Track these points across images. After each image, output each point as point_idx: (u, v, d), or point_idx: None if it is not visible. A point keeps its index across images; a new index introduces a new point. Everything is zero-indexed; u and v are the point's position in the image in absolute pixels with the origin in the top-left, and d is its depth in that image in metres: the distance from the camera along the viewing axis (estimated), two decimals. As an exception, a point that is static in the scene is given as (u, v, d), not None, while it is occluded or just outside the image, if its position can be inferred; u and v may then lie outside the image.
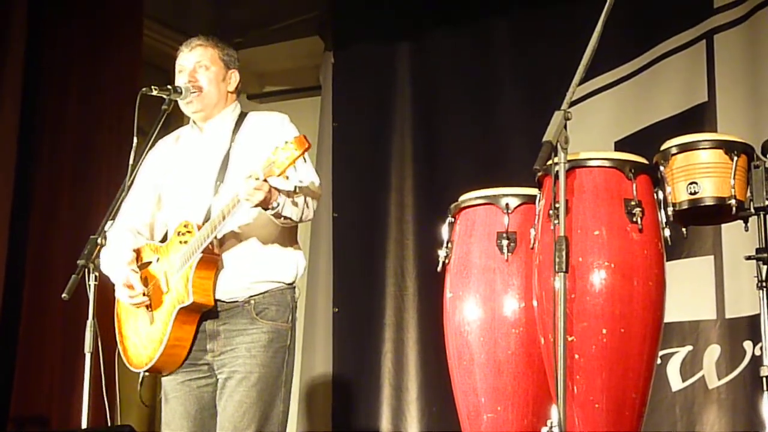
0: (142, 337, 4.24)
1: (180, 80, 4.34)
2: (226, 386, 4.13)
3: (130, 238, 4.34)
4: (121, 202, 4.19)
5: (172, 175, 4.38)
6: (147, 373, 4.25)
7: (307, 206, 4.08)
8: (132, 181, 4.22)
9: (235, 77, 4.42)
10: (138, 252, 4.32)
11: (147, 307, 4.20)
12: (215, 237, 4.04)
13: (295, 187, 3.93)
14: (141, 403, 4.31)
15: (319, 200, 4.18)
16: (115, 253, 4.24)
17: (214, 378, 4.18)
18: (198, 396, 4.20)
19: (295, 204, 4.00)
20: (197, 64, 4.35)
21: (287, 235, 4.25)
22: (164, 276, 4.18)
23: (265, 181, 3.80)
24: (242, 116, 4.40)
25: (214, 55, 4.39)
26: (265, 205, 3.90)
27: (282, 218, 4.01)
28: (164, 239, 4.36)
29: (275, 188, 3.89)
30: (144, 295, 4.17)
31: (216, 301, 4.13)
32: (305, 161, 3.84)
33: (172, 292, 4.14)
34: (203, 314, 4.14)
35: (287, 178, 3.81)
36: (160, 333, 4.14)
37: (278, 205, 3.92)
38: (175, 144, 4.48)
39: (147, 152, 4.28)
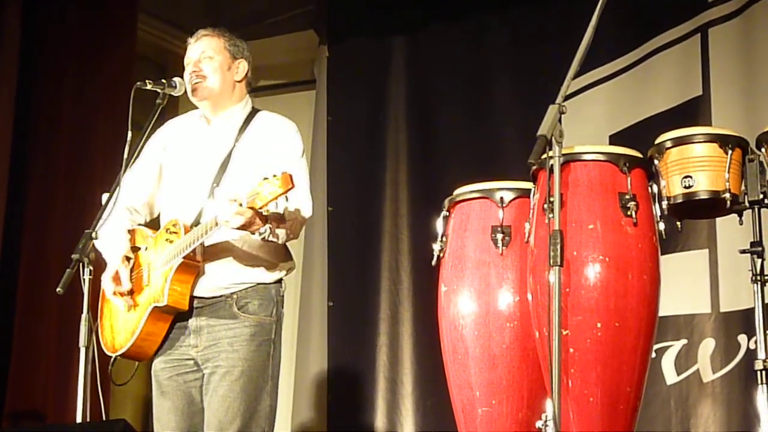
0: (118, 322, 4.26)
1: (186, 72, 4.34)
2: (210, 381, 4.13)
3: (126, 218, 4.34)
4: (116, 195, 4.18)
5: (175, 163, 4.38)
6: (119, 357, 4.27)
7: (292, 232, 4.09)
8: (125, 175, 4.22)
9: (242, 67, 4.40)
10: (132, 234, 4.32)
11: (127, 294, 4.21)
12: (200, 244, 4.06)
13: (285, 210, 3.92)
14: (113, 383, 4.33)
15: (305, 223, 4.19)
16: (111, 234, 4.24)
17: (201, 373, 4.18)
18: (186, 391, 4.20)
19: (278, 233, 4.00)
20: (202, 55, 4.34)
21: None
22: (148, 268, 4.20)
23: (251, 208, 3.80)
24: (252, 114, 4.39)
25: (220, 44, 4.38)
26: (247, 229, 3.90)
27: (266, 241, 4.01)
28: (156, 225, 4.36)
29: (262, 215, 3.87)
30: (126, 294, 4.19)
31: (198, 297, 4.15)
32: (287, 200, 3.80)
33: (150, 288, 4.16)
34: (183, 312, 4.15)
35: (268, 212, 3.80)
36: (133, 324, 4.17)
37: (264, 231, 3.91)
38: (183, 130, 4.46)
39: (142, 141, 4.26)
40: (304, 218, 4.14)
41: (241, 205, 3.78)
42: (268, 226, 3.91)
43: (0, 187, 6.15)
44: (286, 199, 3.77)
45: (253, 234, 3.93)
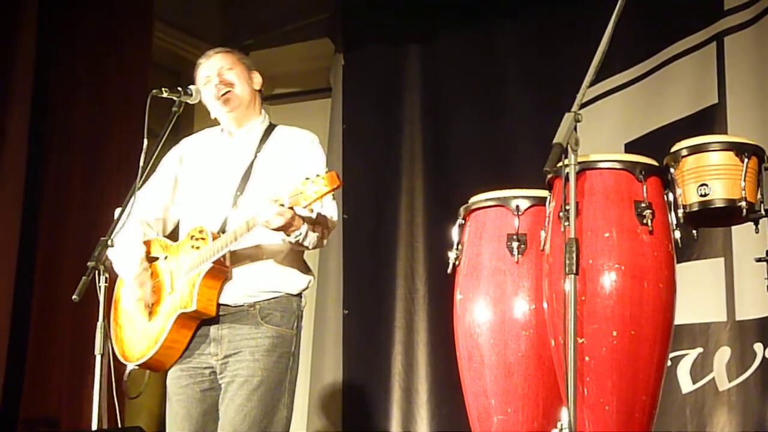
0: (137, 331, 4.25)
1: (209, 87, 4.36)
2: (228, 390, 4.13)
3: (140, 230, 4.35)
4: (131, 203, 4.19)
5: (194, 176, 4.40)
6: (136, 367, 4.26)
7: (323, 237, 4.10)
8: (142, 184, 4.23)
9: (257, 78, 4.47)
10: (147, 245, 4.33)
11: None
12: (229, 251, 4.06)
13: (318, 214, 3.94)
14: (127, 397, 4.33)
15: (333, 229, 4.22)
16: (126, 244, 4.24)
17: (217, 382, 4.18)
18: (201, 399, 4.20)
19: (314, 234, 4.02)
20: (221, 69, 4.38)
21: (296, 251, 4.24)
22: (170, 276, 4.20)
23: (290, 208, 3.82)
24: (270, 128, 4.42)
25: (234, 58, 4.45)
26: (285, 230, 3.91)
27: (298, 245, 4.03)
28: (173, 237, 4.37)
29: (300, 216, 3.90)
30: (148, 296, 4.19)
31: (222, 305, 4.14)
32: (333, 198, 3.86)
33: (175, 295, 4.15)
34: (205, 319, 4.15)
35: (312, 211, 3.83)
36: (157, 332, 4.16)
37: (300, 234, 3.94)
38: (202, 145, 4.49)
39: (157, 149, 4.28)
40: (334, 224, 4.18)
41: (282, 205, 3.80)
42: (304, 227, 3.93)
43: (16, 195, 6.15)
44: (321, 204, 3.82)
45: (289, 236, 3.94)
